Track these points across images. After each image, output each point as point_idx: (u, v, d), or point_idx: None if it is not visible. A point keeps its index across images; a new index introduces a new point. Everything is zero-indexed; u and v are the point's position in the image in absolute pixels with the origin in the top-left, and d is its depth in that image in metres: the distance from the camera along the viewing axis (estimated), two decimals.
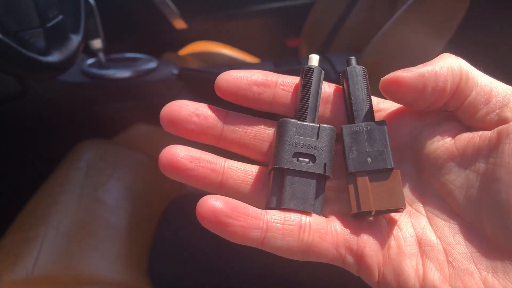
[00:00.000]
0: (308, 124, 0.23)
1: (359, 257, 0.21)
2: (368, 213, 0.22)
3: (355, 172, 0.22)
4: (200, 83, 0.89)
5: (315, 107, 0.23)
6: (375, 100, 0.24)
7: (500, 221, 0.20)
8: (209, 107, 0.24)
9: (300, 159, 0.22)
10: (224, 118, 0.24)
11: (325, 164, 0.22)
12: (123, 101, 0.90)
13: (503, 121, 0.21)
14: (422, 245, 0.21)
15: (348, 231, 0.22)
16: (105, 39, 0.88)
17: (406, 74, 0.21)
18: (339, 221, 0.22)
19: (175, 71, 0.91)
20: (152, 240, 0.68)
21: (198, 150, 0.23)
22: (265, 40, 1.34)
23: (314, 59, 0.24)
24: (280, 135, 0.23)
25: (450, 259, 0.21)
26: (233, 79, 0.23)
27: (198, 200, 0.22)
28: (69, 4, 0.66)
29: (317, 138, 0.22)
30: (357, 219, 0.22)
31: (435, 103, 0.22)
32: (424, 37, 0.63)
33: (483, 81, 0.22)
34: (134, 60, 0.95)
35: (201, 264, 0.65)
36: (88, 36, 0.85)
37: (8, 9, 0.51)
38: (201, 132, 0.23)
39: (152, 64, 0.92)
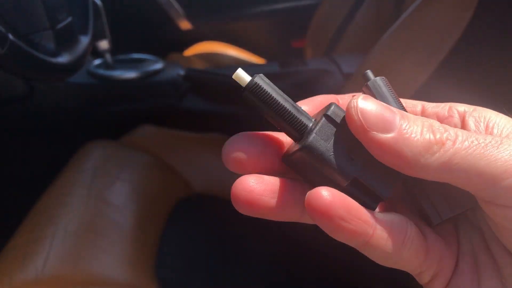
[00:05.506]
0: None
1: (434, 276, 0.21)
2: (447, 220, 0.21)
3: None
4: (206, 85, 0.89)
5: (298, 111, 0.20)
6: (418, 105, 0.22)
7: None
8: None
9: None
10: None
11: None
12: (129, 102, 0.90)
13: None
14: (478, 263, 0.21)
15: (435, 249, 0.20)
16: (111, 40, 0.89)
17: None
18: (432, 235, 0.21)
19: (182, 72, 0.91)
20: (159, 241, 0.69)
21: (272, 177, 0.20)
22: (270, 41, 1.34)
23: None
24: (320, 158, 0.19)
25: (503, 281, 0.20)
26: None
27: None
28: (78, 6, 0.67)
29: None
30: (437, 234, 0.21)
31: None
32: (429, 40, 0.63)
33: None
34: (140, 61, 0.96)
35: (208, 265, 0.65)
36: (95, 37, 0.85)
37: (19, 11, 0.52)
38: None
39: (159, 65, 0.92)
